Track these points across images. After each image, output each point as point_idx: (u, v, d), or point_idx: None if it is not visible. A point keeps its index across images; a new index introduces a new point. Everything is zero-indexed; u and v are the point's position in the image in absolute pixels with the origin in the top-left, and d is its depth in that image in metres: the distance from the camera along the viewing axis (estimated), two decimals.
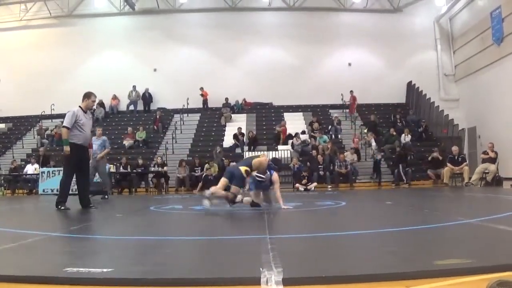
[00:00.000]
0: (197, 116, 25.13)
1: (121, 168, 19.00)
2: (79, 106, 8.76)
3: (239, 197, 8.13)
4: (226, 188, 7.97)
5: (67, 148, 8.37)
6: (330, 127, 22.81)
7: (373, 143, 20.66)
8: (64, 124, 8.66)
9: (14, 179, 19.29)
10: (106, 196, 12.57)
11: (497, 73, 20.44)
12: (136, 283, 2.62)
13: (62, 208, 8.22)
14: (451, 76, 25.63)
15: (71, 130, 8.45)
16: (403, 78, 25.42)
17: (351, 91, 24.06)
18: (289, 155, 20.04)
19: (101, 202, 10.84)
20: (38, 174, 18.34)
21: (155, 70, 25.96)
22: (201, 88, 25.01)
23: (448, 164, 17.10)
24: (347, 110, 24.55)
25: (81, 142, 8.54)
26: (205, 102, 25.42)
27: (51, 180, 17.90)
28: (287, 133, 22.32)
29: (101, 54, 26.12)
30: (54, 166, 18.84)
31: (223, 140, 22.65)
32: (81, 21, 26.40)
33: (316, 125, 22.10)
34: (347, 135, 22.66)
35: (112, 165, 19.01)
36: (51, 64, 25.41)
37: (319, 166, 18.80)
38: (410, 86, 25.33)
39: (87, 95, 8.90)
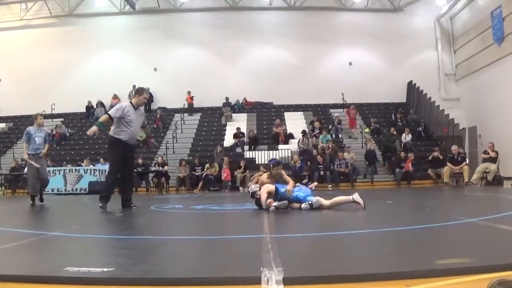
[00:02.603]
0: (197, 116, 25.13)
1: None
2: (130, 102, 8.30)
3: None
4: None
5: (94, 128, 8.13)
6: (330, 126, 22.79)
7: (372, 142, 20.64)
8: (109, 112, 8.35)
9: (15, 178, 19.30)
10: (35, 202, 10.35)
11: (498, 73, 20.42)
12: (137, 282, 2.62)
13: (100, 205, 8.08)
14: (451, 76, 25.61)
15: (118, 125, 8.03)
16: (404, 78, 25.40)
17: (351, 105, 23.60)
18: (289, 155, 20.06)
19: (41, 206, 10.03)
20: None
21: (155, 69, 25.95)
22: (189, 92, 24.85)
23: (448, 164, 17.11)
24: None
25: (126, 139, 8.08)
26: (191, 105, 25.23)
27: (51, 180, 17.87)
28: (288, 133, 22.33)
29: (102, 53, 26.12)
30: (53, 166, 18.90)
31: (223, 139, 22.66)
32: (81, 20, 26.39)
33: (317, 123, 22.09)
34: (348, 134, 22.67)
35: None
36: (52, 64, 25.40)
37: (320, 166, 18.81)
38: (411, 86, 25.32)
39: (139, 91, 8.47)
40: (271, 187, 7.33)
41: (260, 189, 7.43)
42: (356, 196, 7.06)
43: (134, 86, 25.40)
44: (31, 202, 10.31)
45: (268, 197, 7.15)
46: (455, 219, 5.38)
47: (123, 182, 8.52)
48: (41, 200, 10.62)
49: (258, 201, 7.47)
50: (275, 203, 6.98)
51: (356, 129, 22.54)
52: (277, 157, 19.43)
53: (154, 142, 9.71)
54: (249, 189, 7.80)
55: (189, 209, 8.74)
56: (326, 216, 6.57)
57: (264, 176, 7.76)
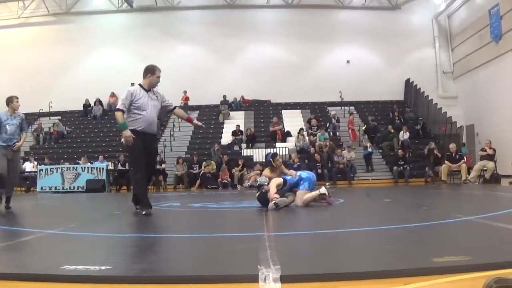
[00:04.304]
0: (195, 114, 25.09)
1: (119, 165, 19.00)
2: (139, 84, 7.09)
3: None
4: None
5: (126, 133, 6.63)
6: (328, 124, 22.80)
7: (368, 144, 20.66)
8: (117, 107, 6.92)
9: None
10: (7, 205, 7.97)
11: (496, 71, 20.44)
12: (135, 280, 2.62)
13: (144, 212, 6.57)
14: (449, 74, 25.63)
15: (129, 114, 6.81)
16: (401, 76, 25.42)
17: (351, 113, 23.48)
18: (287, 153, 20.06)
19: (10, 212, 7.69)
20: (36, 171, 18.36)
21: None
22: (185, 92, 24.73)
23: (446, 162, 17.13)
24: (346, 108, 24.50)
25: (142, 127, 6.78)
26: (186, 105, 25.15)
27: (49, 178, 17.94)
28: (285, 131, 22.35)
29: (99, 51, 26.06)
30: (51, 164, 18.89)
31: (221, 137, 22.66)
32: (79, 18, 26.32)
33: (314, 121, 22.10)
34: (345, 132, 22.68)
35: (110, 163, 19.06)
36: (49, 62, 25.34)
37: (317, 164, 18.82)
38: (408, 84, 25.33)
39: (151, 70, 7.13)
40: (279, 180, 7.40)
41: (268, 183, 7.42)
42: (322, 189, 7.24)
43: (132, 84, 25.33)
44: None
45: (276, 192, 7.16)
46: (452, 217, 5.39)
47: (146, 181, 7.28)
48: (7, 205, 7.97)
49: (261, 197, 7.43)
50: (276, 200, 7.01)
51: (357, 141, 22.13)
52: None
53: (200, 124, 7.75)
54: (258, 179, 7.76)
55: (187, 207, 8.73)
56: (323, 215, 6.58)
57: (267, 172, 7.75)
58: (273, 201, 6.98)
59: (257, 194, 7.60)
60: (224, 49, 25.97)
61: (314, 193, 7.34)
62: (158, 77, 7.18)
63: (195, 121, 7.89)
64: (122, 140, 6.89)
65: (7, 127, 8.13)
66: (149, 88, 7.03)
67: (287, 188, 7.42)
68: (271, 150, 20.27)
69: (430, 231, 4.53)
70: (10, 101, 8.44)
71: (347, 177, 18.73)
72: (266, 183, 7.43)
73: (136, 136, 6.66)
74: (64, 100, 24.83)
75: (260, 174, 7.96)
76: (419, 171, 19.05)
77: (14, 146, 8.05)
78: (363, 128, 22.58)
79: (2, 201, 7.99)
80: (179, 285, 2.57)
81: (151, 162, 7.25)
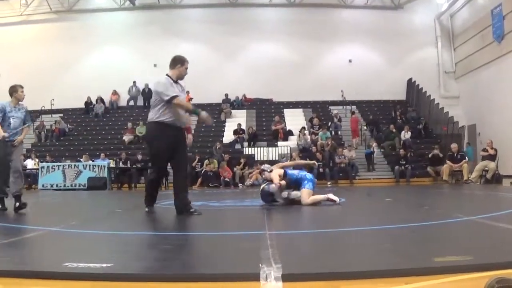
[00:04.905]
0: None
1: (120, 163, 19.03)
2: (167, 75, 6.53)
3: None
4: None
5: (203, 113, 6.44)
6: (330, 123, 22.80)
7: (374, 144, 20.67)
8: (170, 95, 6.18)
9: None
10: (19, 204, 6.98)
11: (498, 71, 20.41)
12: (136, 278, 2.62)
13: (146, 210, 6.44)
14: (451, 74, 25.59)
15: (160, 106, 6.25)
16: (403, 75, 25.39)
17: (353, 114, 23.47)
18: (289, 151, 20.06)
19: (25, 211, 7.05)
20: (38, 169, 18.38)
21: (155, 65, 25.79)
22: (187, 92, 24.74)
23: (447, 161, 17.12)
24: (347, 107, 24.48)
25: (172, 120, 6.25)
26: None
27: (50, 175, 17.98)
28: (287, 129, 22.36)
29: (101, 49, 26.07)
30: (52, 161, 18.91)
31: (223, 136, 22.66)
32: (81, 16, 26.32)
33: (316, 120, 22.12)
34: (347, 131, 22.68)
35: (112, 160, 19.08)
36: (51, 59, 25.36)
37: (319, 163, 18.82)
38: (410, 83, 25.32)
39: (180, 60, 6.63)
40: (280, 170, 7.60)
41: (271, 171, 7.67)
42: (331, 195, 7.31)
43: (134, 82, 25.46)
44: None
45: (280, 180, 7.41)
46: (454, 217, 5.39)
47: (177, 180, 6.59)
48: (19, 205, 6.98)
49: (263, 194, 7.50)
50: (290, 192, 7.37)
51: (358, 138, 22.18)
52: (277, 154, 19.68)
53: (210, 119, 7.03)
54: (262, 167, 8.07)
55: None
56: (325, 214, 6.57)
57: (280, 165, 8.06)
58: (286, 193, 7.28)
59: (262, 186, 7.62)
60: (226, 48, 25.96)
61: (323, 196, 7.39)
62: (187, 68, 6.73)
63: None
64: (204, 121, 6.74)
65: (11, 120, 7.21)
66: (177, 79, 6.51)
67: (287, 180, 7.55)
68: (274, 150, 20.44)
69: (431, 231, 4.52)
70: (14, 90, 7.45)
71: (349, 176, 18.73)
72: (268, 170, 7.64)
73: (165, 131, 6.19)
74: (66, 98, 24.83)
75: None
76: (420, 171, 19.05)
77: (14, 141, 7.11)
78: (364, 127, 22.61)
79: (15, 203, 6.98)
80: (181, 283, 2.57)
81: (181, 156, 6.48)
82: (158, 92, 6.31)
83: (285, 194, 7.35)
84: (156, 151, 6.39)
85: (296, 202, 7.48)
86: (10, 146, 7.07)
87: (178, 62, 6.57)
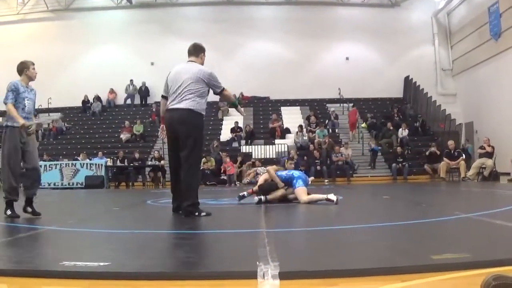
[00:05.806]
0: None
1: (118, 161, 19.01)
2: (191, 61, 6.24)
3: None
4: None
5: (240, 107, 6.43)
6: (327, 121, 22.82)
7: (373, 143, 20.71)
8: (222, 86, 6.02)
9: None
10: (32, 210, 6.00)
11: (495, 68, 20.44)
12: (133, 276, 2.62)
13: (203, 214, 5.73)
14: (448, 71, 25.62)
15: (201, 96, 5.90)
16: (401, 73, 25.39)
17: (353, 106, 23.51)
18: (286, 149, 20.08)
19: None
20: None
21: (152, 64, 25.83)
22: None
23: (445, 159, 17.15)
24: (345, 105, 24.50)
25: (200, 109, 5.89)
26: None
27: (48, 174, 17.91)
28: (285, 127, 22.37)
29: (98, 48, 26.01)
30: (50, 160, 18.88)
31: (220, 134, 22.66)
32: (78, 14, 26.26)
33: (313, 118, 22.13)
34: (344, 129, 22.70)
35: (109, 159, 19.06)
36: (48, 58, 25.17)
37: (316, 161, 18.85)
38: (408, 81, 25.33)
39: (203, 48, 6.24)
40: (266, 175, 7.95)
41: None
42: (331, 196, 7.26)
43: (131, 81, 25.43)
44: (8, 210, 5.76)
45: (261, 185, 7.79)
46: (451, 214, 5.39)
47: (181, 175, 5.86)
48: (32, 211, 5.95)
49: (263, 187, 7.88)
50: (256, 196, 7.64)
51: (355, 132, 22.34)
52: (274, 152, 19.74)
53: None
54: (258, 170, 8.56)
55: None
56: (322, 212, 6.58)
57: (274, 168, 8.23)
58: (257, 198, 7.56)
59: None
60: (223, 46, 25.90)
61: (322, 196, 7.44)
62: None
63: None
64: (240, 112, 6.69)
65: (25, 102, 6.19)
66: None
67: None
68: (271, 148, 20.46)
69: (428, 228, 4.53)
70: (25, 66, 6.43)
71: (346, 174, 18.76)
72: (261, 173, 8.45)
73: (203, 121, 5.92)
74: (63, 97, 24.78)
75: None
76: (418, 169, 19.08)
77: (29, 128, 5.87)
78: (363, 125, 22.63)
79: (26, 207, 5.99)
80: (178, 281, 2.58)
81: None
82: (213, 82, 5.95)
83: (256, 199, 7.60)
84: (202, 142, 6.08)
85: (289, 200, 7.75)
86: (24, 134, 5.87)
87: (202, 50, 6.21)
